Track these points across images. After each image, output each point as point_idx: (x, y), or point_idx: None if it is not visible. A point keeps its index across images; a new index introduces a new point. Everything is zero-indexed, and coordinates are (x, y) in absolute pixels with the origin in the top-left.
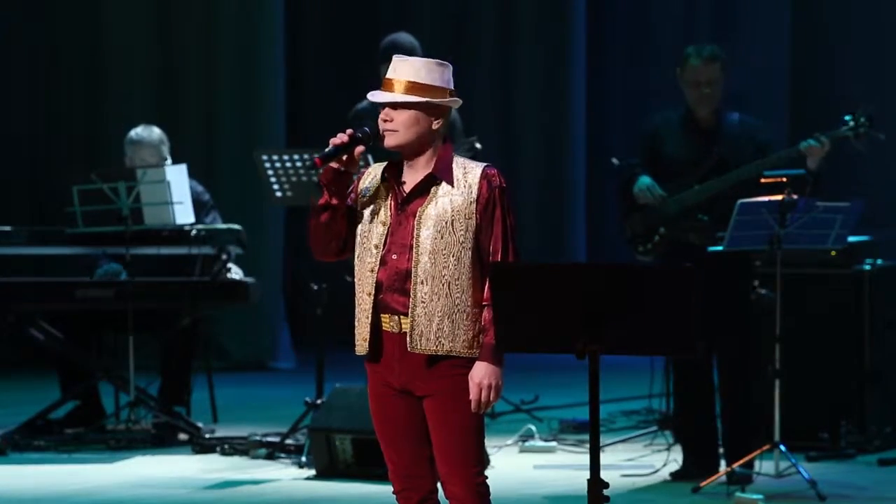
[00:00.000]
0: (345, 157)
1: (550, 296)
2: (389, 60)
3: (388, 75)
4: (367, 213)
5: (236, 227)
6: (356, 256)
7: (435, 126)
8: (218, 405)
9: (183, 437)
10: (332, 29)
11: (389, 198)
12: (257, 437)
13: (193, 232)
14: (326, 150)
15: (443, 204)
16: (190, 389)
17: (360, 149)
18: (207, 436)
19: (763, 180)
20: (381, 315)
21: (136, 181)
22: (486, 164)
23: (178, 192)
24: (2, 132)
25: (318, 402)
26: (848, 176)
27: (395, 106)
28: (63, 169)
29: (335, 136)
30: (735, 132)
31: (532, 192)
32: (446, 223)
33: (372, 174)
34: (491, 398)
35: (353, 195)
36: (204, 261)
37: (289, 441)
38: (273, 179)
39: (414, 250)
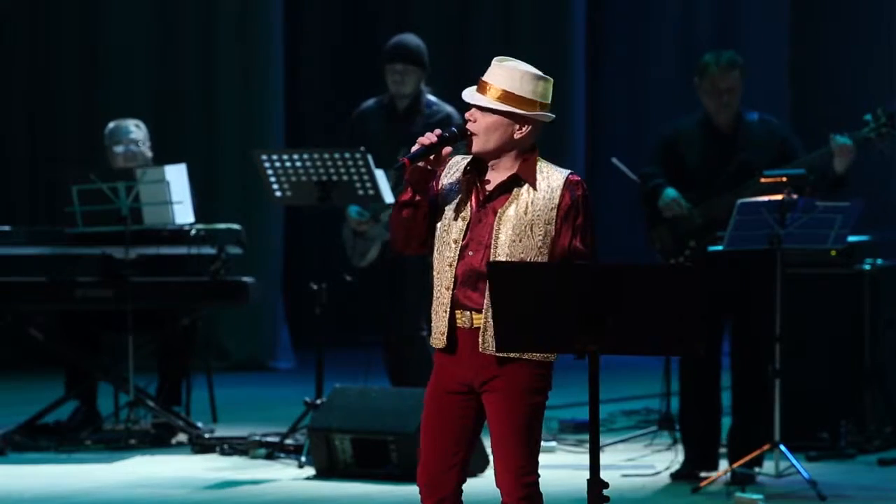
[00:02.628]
0: (431, 157)
1: (550, 296)
2: (394, 61)
3: (484, 76)
4: (448, 207)
5: (236, 226)
6: (435, 250)
7: (517, 136)
8: (217, 405)
9: (182, 437)
10: (332, 29)
11: (471, 194)
12: (257, 437)
13: (193, 232)
14: (414, 150)
15: (524, 206)
16: (189, 389)
17: (447, 149)
18: (207, 436)
19: (763, 180)
20: (455, 311)
21: (136, 181)
22: (570, 171)
23: (178, 192)
24: (2, 132)
25: (318, 402)
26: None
27: (480, 109)
28: (63, 169)
29: (423, 137)
30: (757, 135)
31: None
32: (525, 226)
33: (455, 168)
34: None
35: (434, 186)
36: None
37: (288, 441)
38: (273, 179)
39: (491, 250)
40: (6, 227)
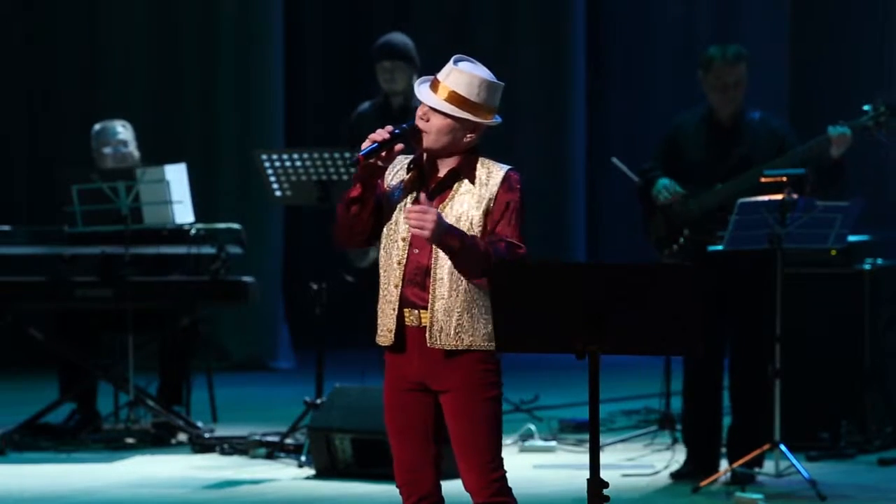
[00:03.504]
0: (384, 153)
1: (550, 295)
2: (382, 59)
3: (439, 76)
4: (394, 205)
5: (236, 226)
6: (382, 248)
7: (466, 139)
8: (218, 405)
9: (182, 436)
10: (332, 29)
11: (416, 191)
12: (257, 437)
13: (193, 231)
14: (368, 146)
15: (463, 201)
16: (189, 389)
17: (399, 146)
18: (207, 435)
19: (763, 179)
20: (403, 309)
21: (136, 181)
22: (510, 167)
23: (178, 192)
24: (2, 132)
25: (318, 401)
26: (848, 176)
27: (434, 109)
28: (63, 169)
29: (375, 133)
30: (757, 132)
31: (532, 192)
32: (466, 220)
33: (399, 166)
34: (419, 222)
35: (380, 185)
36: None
37: (288, 441)
38: (273, 179)
39: (434, 246)
40: (6, 227)
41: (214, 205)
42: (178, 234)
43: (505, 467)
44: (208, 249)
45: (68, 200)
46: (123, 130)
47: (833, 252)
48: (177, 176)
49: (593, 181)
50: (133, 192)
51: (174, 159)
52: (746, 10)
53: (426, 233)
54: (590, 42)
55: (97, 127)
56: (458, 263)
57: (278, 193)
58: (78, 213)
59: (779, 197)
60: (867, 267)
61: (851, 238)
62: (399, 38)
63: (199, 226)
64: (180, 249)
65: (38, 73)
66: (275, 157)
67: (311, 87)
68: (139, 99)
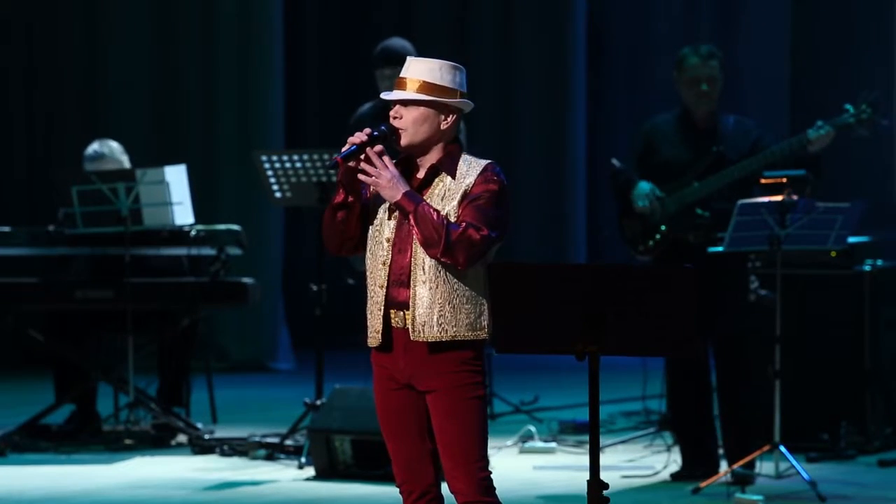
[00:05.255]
0: (363, 156)
1: (550, 296)
2: (383, 66)
3: (401, 73)
4: (379, 208)
5: (235, 227)
6: (368, 250)
7: (444, 126)
8: (217, 406)
9: (182, 438)
10: (332, 30)
11: None
12: (257, 438)
13: (192, 233)
14: (346, 149)
15: (441, 195)
16: (189, 390)
17: (378, 147)
18: (207, 436)
19: (763, 181)
20: (389, 310)
21: (136, 182)
22: (490, 161)
23: (178, 193)
24: (2, 132)
25: (318, 402)
26: (848, 176)
27: (405, 104)
28: (63, 169)
29: (353, 136)
30: (732, 131)
31: (532, 192)
32: (446, 215)
33: None
34: (376, 175)
35: (368, 191)
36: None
37: (288, 442)
38: (273, 180)
39: (413, 243)
40: (6, 228)
41: (215, 206)
42: (177, 235)
43: (490, 468)
44: (208, 251)
45: (68, 201)
46: (122, 156)
47: (833, 253)
48: (177, 177)
49: (593, 181)
50: (133, 194)
51: (174, 159)
52: (747, 10)
53: (380, 185)
54: (590, 42)
55: (92, 152)
56: (417, 231)
57: (278, 195)
58: (78, 215)
59: (779, 198)
60: (867, 268)
61: (851, 239)
62: (399, 43)
63: (199, 227)
64: (180, 251)
65: (39, 73)
66: (274, 158)
67: (311, 87)
68: (139, 100)
